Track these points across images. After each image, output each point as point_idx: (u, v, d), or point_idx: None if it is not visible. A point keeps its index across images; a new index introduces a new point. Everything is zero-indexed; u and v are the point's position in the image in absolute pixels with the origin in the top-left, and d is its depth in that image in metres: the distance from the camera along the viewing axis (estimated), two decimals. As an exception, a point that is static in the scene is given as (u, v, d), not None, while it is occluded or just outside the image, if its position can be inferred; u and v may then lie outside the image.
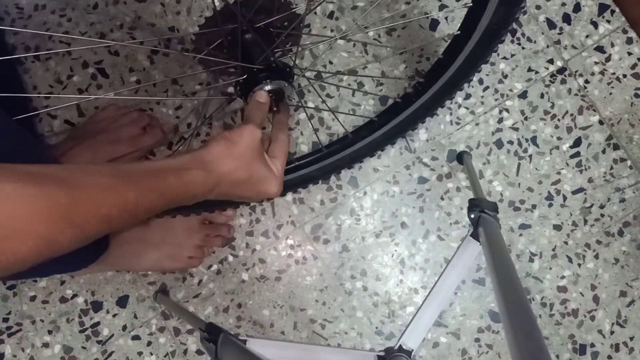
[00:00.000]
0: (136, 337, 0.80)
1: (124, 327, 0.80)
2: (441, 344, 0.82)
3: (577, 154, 0.85)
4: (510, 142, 0.85)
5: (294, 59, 0.60)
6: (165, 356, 0.80)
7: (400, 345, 0.59)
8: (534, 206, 0.84)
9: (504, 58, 0.85)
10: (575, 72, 0.85)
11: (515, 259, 0.84)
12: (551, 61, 0.85)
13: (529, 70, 0.85)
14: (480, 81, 0.85)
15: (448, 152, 0.84)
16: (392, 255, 0.83)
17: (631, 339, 0.84)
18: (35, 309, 0.80)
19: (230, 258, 0.82)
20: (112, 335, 0.80)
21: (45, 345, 0.79)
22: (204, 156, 0.45)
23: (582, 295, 0.84)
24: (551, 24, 0.86)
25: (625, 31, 0.86)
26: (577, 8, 0.86)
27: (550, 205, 0.84)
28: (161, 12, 0.83)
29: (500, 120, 0.85)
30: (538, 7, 0.85)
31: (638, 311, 0.84)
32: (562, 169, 0.85)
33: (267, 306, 0.82)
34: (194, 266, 0.80)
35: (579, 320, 0.84)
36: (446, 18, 0.86)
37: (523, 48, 0.85)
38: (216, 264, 0.82)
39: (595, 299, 0.84)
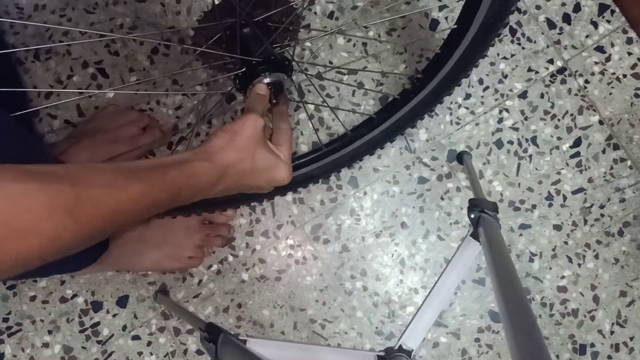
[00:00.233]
0: (136, 337, 0.80)
1: (124, 327, 0.80)
2: (441, 344, 0.82)
3: (577, 154, 0.85)
4: (510, 142, 0.85)
5: (292, 52, 0.60)
6: (165, 356, 0.80)
7: (400, 345, 0.59)
8: (534, 206, 0.84)
9: (504, 58, 0.85)
10: (575, 72, 0.85)
11: (515, 259, 0.84)
12: (551, 61, 0.85)
13: (529, 70, 0.85)
14: (480, 81, 0.85)
15: (448, 152, 0.84)
16: (392, 255, 0.83)
17: (631, 339, 0.84)
18: (35, 309, 0.80)
19: (230, 258, 0.82)
20: (112, 335, 0.80)
21: (45, 345, 0.79)
22: (206, 149, 0.45)
23: (582, 295, 0.84)
24: (551, 24, 0.86)
25: (625, 31, 0.86)
26: (577, 8, 0.86)
27: (550, 205, 0.84)
28: (161, 12, 0.83)
29: (500, 120, 0.85)
30: (538, 7, 0.85)
31: (638, 311, 0.84)
32: (562, 169, 0.85)
33: (267, 306, 0.82)
34: (194, 266, 0.80)
35: (579, 320, 0.84)
36: (446, 18, 0.86)
37: (523, 48, 0.85)
38: (216, 264, 0.82)
39: (595, 299, 0.84)
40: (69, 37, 0.82)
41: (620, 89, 0.86)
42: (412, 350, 0.58)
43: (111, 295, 0.80)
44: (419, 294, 0.83)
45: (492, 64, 0.85)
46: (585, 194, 0.85)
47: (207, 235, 0.79)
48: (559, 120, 0.85)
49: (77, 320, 0.80)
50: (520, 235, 0.84)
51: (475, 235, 0.60)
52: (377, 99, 0.84)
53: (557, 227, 0.84)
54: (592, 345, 0.83)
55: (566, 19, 0.86)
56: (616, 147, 0.85)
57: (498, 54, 0.85)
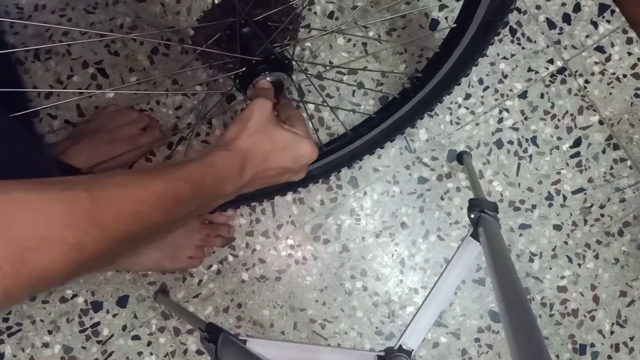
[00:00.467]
0: (136, 337, 0.80)
1: (124, 327, 0.80)
2: (441, 344, 0.82)
3: (577, 154, 0.85)
4: (510, 142, 0.85)
5: (292, 51, 0.60)
6: (165, 356, 0.80)
7: (400, 345, 0.59)
8: (534, 206, 0.84)
9: (504, 58, 0.85)
10: (575, 72, 0.85)
11: (515, 259, 0.84)
12: (551, 61, 0.85)
13: (529, 70, 0.85)
14: (480, 81, 0.85)
15: (448, 152, 0.84)
16: (392, 255, 0.83)
17: (631, 339, 0.84)
18: (35, 309, 0.80)
19: (230, 258, 0.82)
20: (112, 335, 0.80)
21: (45, 345, 0.79)
22: (223, 141, 0.45)
23: (582, 295, 0.84)
24: (551, 24, 0.86)
25: (625, 31, 0.86)
26: (577, 8, 0.86)
27: (550, 205, 0.84)
28: (161, 12, 0.83)
29: (500, 120, 0.85)
30: (538, 7, 0.85)
31: (638, 311, 0.84)
32: (562, 169, 0.85)
33: (267, 306, 0.82)
34: (194, 266, 0.80)
35: (579, 320, 0.84)
36: (446, 18, 0.86)
37: (523, 48, 0.85)
38: (216, 264, 0.82)
39: (595, 299, 0.84)
40: (69, 37, 0.82)
41: (620, 89, 0.86)
42: (412, 350, 0.58)
43: (111, 295, 0.80)
44: (419, 294, 0.83)
45: (492, 64, 0.85)
46: (585, 194, 0.85)
47: (207, 235, 0.79)
48: (559, 120, 0.85)
49: (77, 320, 0.80)
50: (520, 235, 0.84)
51: (475, 235, 0.60)
52: (377, 98, 0.84)
53: (557, 227, 0.84)
54: (592, 345, 0.83)
55: (566, 19, 0.86)
56: (616, 147, 0.85)
57: (498, 54, 0.85)
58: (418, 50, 0.85)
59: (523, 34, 0.85)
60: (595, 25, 0.86)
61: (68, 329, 0.80)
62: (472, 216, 0.61)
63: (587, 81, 0.85)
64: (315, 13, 0.84)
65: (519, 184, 0.84)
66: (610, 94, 0.85)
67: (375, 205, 0.83)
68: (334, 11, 0.85)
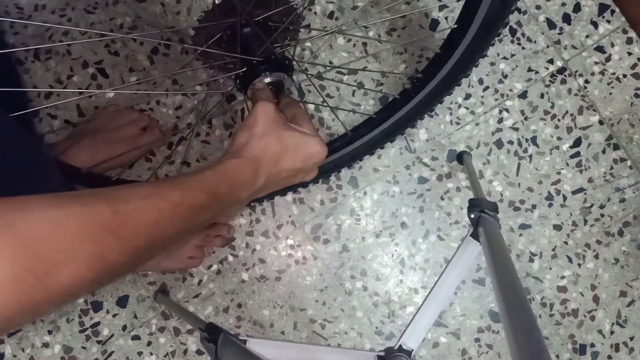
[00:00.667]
0: (136, 337, 0.80)
1: (124, 327, 0.80)
2: (441, 344, 0.82)
3: (577, 154, 0.85)
4: (510, 142, 0.85)
5: (292, 51, 0.60)
6: (165, 356, 0.80)
7: (400, 345, 0.58)
8: (534, 206, 0.84)
9: (504, 58, 0.85)
10: (575, 72, 0.85)
11: (515, 259, 0.84)
12: (551, 61, 0.85)
13: (529, 70, 0.85)
14: (480, 81, 0.85)
15: (448, 152, 0.84)
16: (392, 255, 0.83)
17: (631, 339, 0.84)
18: (35, 309, 0.80)
19: (230, 258, 0.82)
20: (112, 335, 0.80)
21: (45, 345, 0.79)
22: (233, 149, 0.45)
23: (582, 295, 0.84)
24: (551, 24, 0.86)
25: (625, 31, 0.86)
26: (577, 8, 0.86)
27: (550, 205, 0.84)
28: (161, 12, 0.83)
29: (500, 120, 0.85)
30: (538, 7, 0.85)
31: (638, 311, 0.84)
32: (562, 169, 0.85)
33: (267, 306, 0.82)
34: (194, 266, 0.80)
35: (579, 320, 0.84)
36: (446, 18, 0.86)
37: (523, 48, 0.85)
38: (216, 264, 0.82)
39: (595, 299, 0.84)
40: (69, 37, 0.82)
41: (620, 89, 0.86)
42: (412, 350, 0.58)
43: (111, 295, 0.80)
44: (419, 294, 0.83)
45: (492, 64, 0.85)
46: (585, 194, 0.85)
47: (207, 235, 0.79)
48: (559, 120, 0.85)
49: (77, 320, 0.80)
50: (520, 235, 0.84)
51: (475, 235, 0.60)
52: (377, 98, 0.84)
53: (557, 227, 0.84)
54: (592, 345, 0.83)
55: (566, 19, 0.86)
56: (616, 147, 0.85)
57: (498, 54, 0.85)
58: (418, 50, 0.85)
59: (523, 34, 0.85)
60: (595, 25, 0.86)
61: (68, 329, 0.80)
62: (472, 216, 0.61)
63: (587, 81, 0.85)
64: (316, 13, 0.84)
65: (519, 184, 0.84)
66: (610, 94, 0.85)
67: (375, 205, 0.83)
68: (334, 11, 0.85)
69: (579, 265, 0.84)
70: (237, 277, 0.82)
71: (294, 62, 0.57)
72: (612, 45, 0.86)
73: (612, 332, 0.84)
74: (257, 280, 0.82)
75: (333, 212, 0.83)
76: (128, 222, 0.32)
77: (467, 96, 0.85)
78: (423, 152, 0.84)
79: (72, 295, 0.29)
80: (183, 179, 0.39)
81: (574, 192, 0.85)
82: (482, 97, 0.85)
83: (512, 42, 0.85)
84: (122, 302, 0.80)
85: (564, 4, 0.86)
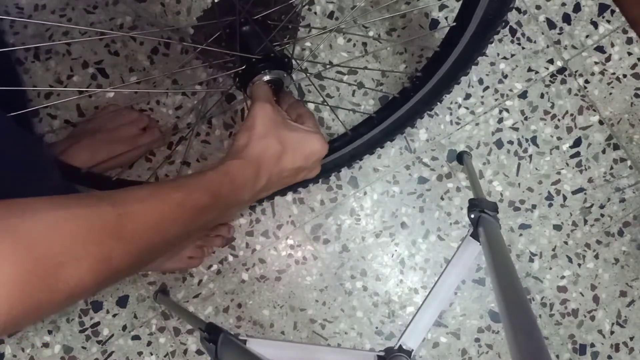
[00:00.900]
0: (136, 337, 0.80)
1: (124, 327, 0.80)
2: (441, 344, 0.82)
3: (577, 154, 0.85)
4: (510, 142, 0.85)
5: (291, 50, 0.60)
6: (165, 356, 0.80)
7: (400, 345, 0.58)
8: (534, 206, 0.84)
9: (504, 58, 0.85)
10: (575, 72, 0.85)
11: (515, 259, 0.84)
12: (551, 61, 0.85)
13: (529, 70, 0.85)
14: (480, 81, 0.85)
15: (448, 152, 0.84)
16: (392, 255, 0.83)
17: (631, 339, 0.84)
18: (35, 309, 0.80)
19: (230, 258, 0.82)
20: (112, 335, 0.80)
21: (45, 345, 0.79)
22: (234, 150, 0.45)
23: (582, 295, 0.84)
24: (551, 24, 0.86)
25: (625, 31, 0.86)
26: (577, 8, 0.86)
27: (550, 205, 0.84)
28: (161, 12, 0.83)
29: (500, 120, 0.85)
30: (538, 7, 0.85)
31: (638, 311, 0.84)
32: (562, 169, 0.85)
33: (267, 306, 0.82)
34: (194, 266, 0.80)
35: (579, 320, 0.84)
36: (446, 18, 0.86)
37: (523, 48, 0.85)
38: (216, 264, 0.82)
39: (595, 299, 0.84)
40: (69, 37, 0.82)
41: (620, 89, 0.86)
42: (412, 350, 0.58)
43: (111, 295, 0.80)
44: (419, 294, 0.83)
45: (492, 64, 0.85)
46: (585, 194, 0.85)
47: (207, 235, 0.79)
48: (559, 120, 0.85)
49: (77, 320, 0.80)
50: (520, 235, 0.84)
51: (475, 235, 0.60)
52: (377, 98, 0.84)
53: (557, 227, 0.84)
54: (592, 345, 0.83)
55: (566, 19, 0.86)
56: (616, 147, 0.85)
57: (498, 54, 0.85)
58: (418, 49, 0.85)
59: (523, 34, 0.85)
60: (595, 25, 0.86)
61: (68, 329, 0.80)
62: (472, 216, 0.61)
63: (587, 81, 0.85)
64: (315, 12, 0.84)
65: (519, 184, 0.84)
66: (610, 94, 0.85)
67: (375, 205, 0.83)
68: (333, 10, 0.85)
69: (579, 265, 0.84)
70: (237, 277, 0.82)
71: (294, 61, 0.57)
72: (612, 45, 0.86)
73: (612, 332, 0.84)
74: (257, 280, 0.82)
75: (333, 212, 0.83)
76: (131, 224, 0.32)
77: (467, 96, 0.85)
78: (423, 152, 0.84)
79: (75, 297, 0.29)
80: (184, 181, 0.39)
81: (574, 192, 0.85)
82: (482, 97, 0.85)
83: (512, 42, 0.85)
84: (122, 302, 0.80)
85: (564, 4, 0.86)
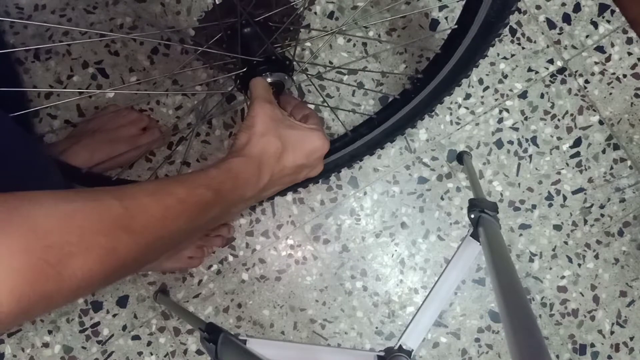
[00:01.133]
0: (136, 337, 0.80)
1: (124, 327, 0.80)
2: (441, 344, 0.82)
3: (577, 154, 0.85)
4: (510, 142, 0.85)
5: (293, 52, 0.60)
6: (165, 356, 0.80)
7: (400, 345, 0.58)
8: (534, 206, 0.84)
9: (504, 58, 0.85)
10: (575, 72, 0.85)
11: (515, 259, 0.84)
12: (551, 61, 0.85)
13: (529, 70, 0.85)
14: (480, 81, 0.85)
15: (448, 152, 0.84)
16: (392, 255, 0.83)
17: (631, 339, 0.84)
18: (35, 309, 0.80)
19: (230, 258, 0.82)
20: (112, 335, 0.80)
21: (45, 345, 0.79)
22: (235, 149, 0.46)
23: (582, 295, 0.84)
24: (551, 24, 0.86)
25: (625, 31, 0.86)
26: (577, 8, 0.86)
27: (550, 205, 0.84)
28: (161, 12, 0.83)
29: (500, 120, 0.85)
30: (538, 7, 0.85)
31: (638, 311, 0.84)
32: (562, 169, 0.85)
33: (267, 306, 0.82)
34: (194, 266, 0.80)
35: (579, 320, 0.84)
36: (446, 18, 0.86)
37: (523, 48, 0.85)
38: (216, 264, 0.82)
39: (595, 299, 0.84)
40: (69, 37, 0.82)
41: (620, 89, 0.86)
42: (412, 350, 0.58)
43: (111, 295, 0.80)
44: (419, 294, 0.83)
45: (492, 64, 0.85)
46: (585, 194, 0.85)
47: (207, 235, 0.79)
48: (559, 120, 0.85)
49: (77, 320, 0.80)
50: (520, 235, 0.84)
51: (475, 235, 0.60)
52: (377, 99, 0.84)
53: (557, 227, 0.84)
54: (592, 345, 0.83)
55: (566, 19, 0.86)
56: (616, 147, 0.85)
57: (498, 54, 0.85)
58: (418, 50, 0.85)
59: (523, 34, 0.85)
60: (595, 25, 0.86)
61: (68, 329, 0.80)
62: (472, 216, 0.61)
63: (587, 81, 0.85)
64: (316, 13, 0.84)
65: (519, 184, 0.84)
66: (610, 94, 0.85)
67: (375, 205, 0.83)
68: (334, 11, 0.85)
69: (579, 265, 0.84)
70: (237, 277, 0.82)
71: (295, 63, 0.57)
72: (612, 45, 0.86)
73: (612, 332, 0.84)
74: (257, 280, 0.82)
75: (333, 212, 0.83)
76: (138, 217, 0.33)
77: (467, 96, 0.85)
78: (423, 152, 0.84)
79: (84, 289, 0.30)
80: (188, 177, 0.39)
81: (574, 192, 0.85)
82: (482, 97, 0.85)
83: (512, 42, 0.85)
84: (122, 302, 0.80)
85: (564, 4, 0.86)
